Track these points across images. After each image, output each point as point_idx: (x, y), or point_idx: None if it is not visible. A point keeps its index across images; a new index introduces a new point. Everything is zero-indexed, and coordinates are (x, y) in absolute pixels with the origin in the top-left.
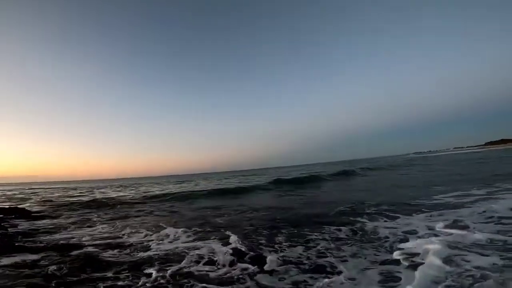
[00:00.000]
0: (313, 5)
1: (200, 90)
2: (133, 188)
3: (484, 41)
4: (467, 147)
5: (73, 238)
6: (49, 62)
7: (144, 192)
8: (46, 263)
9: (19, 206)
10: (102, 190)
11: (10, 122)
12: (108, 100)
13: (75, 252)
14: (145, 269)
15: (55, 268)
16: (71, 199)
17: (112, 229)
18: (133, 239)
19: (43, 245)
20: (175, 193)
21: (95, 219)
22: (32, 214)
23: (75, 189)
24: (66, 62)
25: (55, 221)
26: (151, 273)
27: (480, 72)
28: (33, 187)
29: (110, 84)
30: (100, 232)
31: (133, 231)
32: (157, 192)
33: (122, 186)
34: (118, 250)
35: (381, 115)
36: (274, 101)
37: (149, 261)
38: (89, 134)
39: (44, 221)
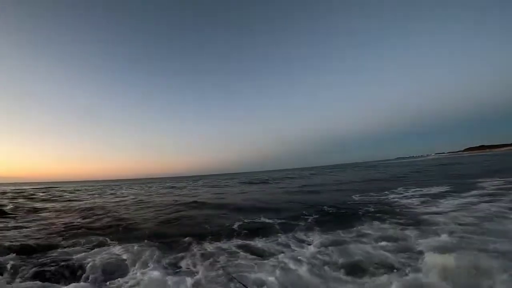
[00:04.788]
0: (316, 7)
1: (194, 93)
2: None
3: (471, 52)
4: (447, 152)
5: None
6: (47, 65)
7: None
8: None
9: None
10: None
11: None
12: (106, 103)
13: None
14: None
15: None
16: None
17: None
18: None
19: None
20: None
21: None
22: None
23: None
24: (64, 64)
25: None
26: None
27: (463, 82)
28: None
29: (108, 86)
30: None
31: None
32: None
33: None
34: None
35: (365, 122)
36: (271, 104)
37: None
38: (88, 135)
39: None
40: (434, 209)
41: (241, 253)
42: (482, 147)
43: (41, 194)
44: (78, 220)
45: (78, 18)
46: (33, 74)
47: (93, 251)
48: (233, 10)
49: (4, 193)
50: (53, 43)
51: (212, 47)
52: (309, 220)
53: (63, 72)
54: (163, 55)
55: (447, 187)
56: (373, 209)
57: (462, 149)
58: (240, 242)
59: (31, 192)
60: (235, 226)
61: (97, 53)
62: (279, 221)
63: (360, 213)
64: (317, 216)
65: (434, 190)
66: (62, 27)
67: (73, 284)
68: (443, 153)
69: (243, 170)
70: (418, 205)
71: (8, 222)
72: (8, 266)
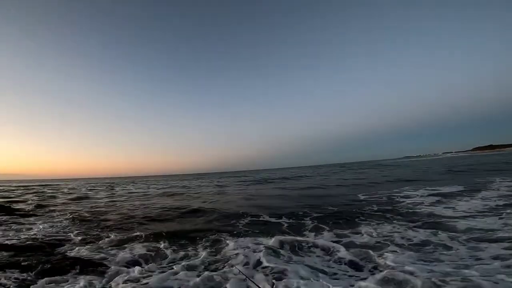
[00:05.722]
0: (316, 7)
1: (195, 90)
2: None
3: (478, 51)
4: (455, 151)
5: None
6: (48, 63)
7: None
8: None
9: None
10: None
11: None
12: (107, 100)
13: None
14: None
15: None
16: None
17: None
18: None
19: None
20: None
21: None
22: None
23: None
24: (65, 62)
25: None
26: None
27: (471, 81)
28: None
29: (112, 85)
30: None
31: None
32: None
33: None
34: None
35: (373, 121)
36: (273, 102)
37: None
38: (90, 134)
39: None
40: None
41: (245, 253)
42: (491, 147)
43: (48, 191)
44: (86, 217)
45: (79, 13)
46: (32, 72)
47: (105, 245)
48: (233, 8)
49: (10, 190)
50: (56, 41)
51: (214, 46)
52: (316, 220)
53: (63, 69)
54: (164, 53)
55: None
56: (378, 209)
57: (470, 148)
58: (244, 241)
59: (38, 189)
60: (240, 225)
61: (98, 51)
62: (284, 220)
63: (366, 213)
64: (323, 215)
65: None
66: (62, 23)
67: (88, 278)
68: (451, 152)
69: (244, 169)
70: None
71: (17, 220)
72: (21, 264)
